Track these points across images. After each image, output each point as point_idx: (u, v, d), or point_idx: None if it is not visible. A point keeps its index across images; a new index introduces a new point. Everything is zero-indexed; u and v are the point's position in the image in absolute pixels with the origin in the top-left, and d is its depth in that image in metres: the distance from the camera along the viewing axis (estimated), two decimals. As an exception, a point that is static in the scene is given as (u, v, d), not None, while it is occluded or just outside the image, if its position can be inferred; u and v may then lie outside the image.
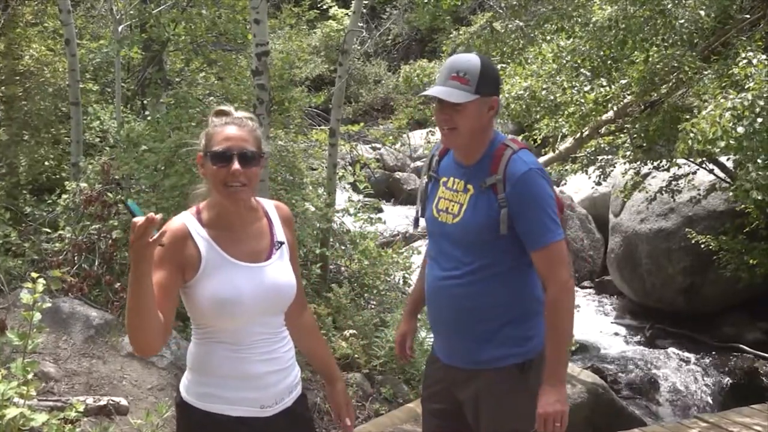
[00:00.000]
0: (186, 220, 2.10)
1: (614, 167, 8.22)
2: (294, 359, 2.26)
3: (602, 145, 8.25)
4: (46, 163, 8.22)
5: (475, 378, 2.53)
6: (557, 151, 8.07)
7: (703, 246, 7.95)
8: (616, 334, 9.27)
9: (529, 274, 2.49)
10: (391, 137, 11.47)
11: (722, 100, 4.96)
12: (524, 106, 6.83)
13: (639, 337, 9.16)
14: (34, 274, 3.10)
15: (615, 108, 7.04)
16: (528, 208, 2.38)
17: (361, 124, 11.79)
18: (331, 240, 7.03)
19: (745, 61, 5.28)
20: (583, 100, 6.59)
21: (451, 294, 2.51)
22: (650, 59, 6.32)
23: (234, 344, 2.10)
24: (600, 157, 8.13)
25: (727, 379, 7.89)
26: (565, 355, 2.44)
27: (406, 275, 7.29)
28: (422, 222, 2.75)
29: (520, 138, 11.12)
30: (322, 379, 2.57)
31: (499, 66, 7.61)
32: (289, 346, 2.24)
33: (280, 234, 2.24)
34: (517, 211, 2.38)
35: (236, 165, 2.05)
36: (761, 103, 4.79)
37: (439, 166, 2.64)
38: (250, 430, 2.11)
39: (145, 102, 9.33)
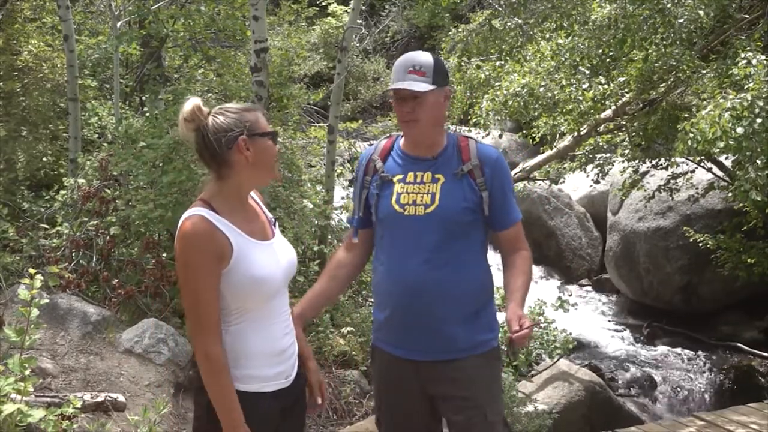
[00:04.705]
0: (203, 214, 2.14)
1: (612, 165, 8.22)
2: None
3: (601, 144, 8.26)
4: (44, 159, 8.21)
5: (454, 367, 2.53)
6: (555, 149, 8.07)
7: (701, 245, 7.95)
8: (614, 332, 9.27)
9: (485, 258, 2.67)
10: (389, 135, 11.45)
11: (721, 101, 4.96)
12: (522, 104, 6.82)
13: (636, 335, 9.16)
14: (31, 271, 3.11)
15: (613, 106, 7.04)
16: (504, 190, 2.59)
17: (360, 121, 11.81)
18: (329, 237, 7.03)
19: (744, 61, 5.28)
20: (581, 98, 6.59)
21: (432, 282, 2.51)
22: (649, 58, 6.32)
23: (266, 320, 2.22)
24: (598, 155, 8.14)
25: (725, 377, 7.89)
26: (527, 292, 2.65)
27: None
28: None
29: (518, 135, 11.13)
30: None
31: (497, 63, 7.62)
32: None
33: (268, 212, 2.40)
34: (496, 192, 2.57)
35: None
36: (760, 103, 4.79)
37: (384, 167, 2.66)
38: (279, 402, 2.25)
39: (143, 98, 9.31)
